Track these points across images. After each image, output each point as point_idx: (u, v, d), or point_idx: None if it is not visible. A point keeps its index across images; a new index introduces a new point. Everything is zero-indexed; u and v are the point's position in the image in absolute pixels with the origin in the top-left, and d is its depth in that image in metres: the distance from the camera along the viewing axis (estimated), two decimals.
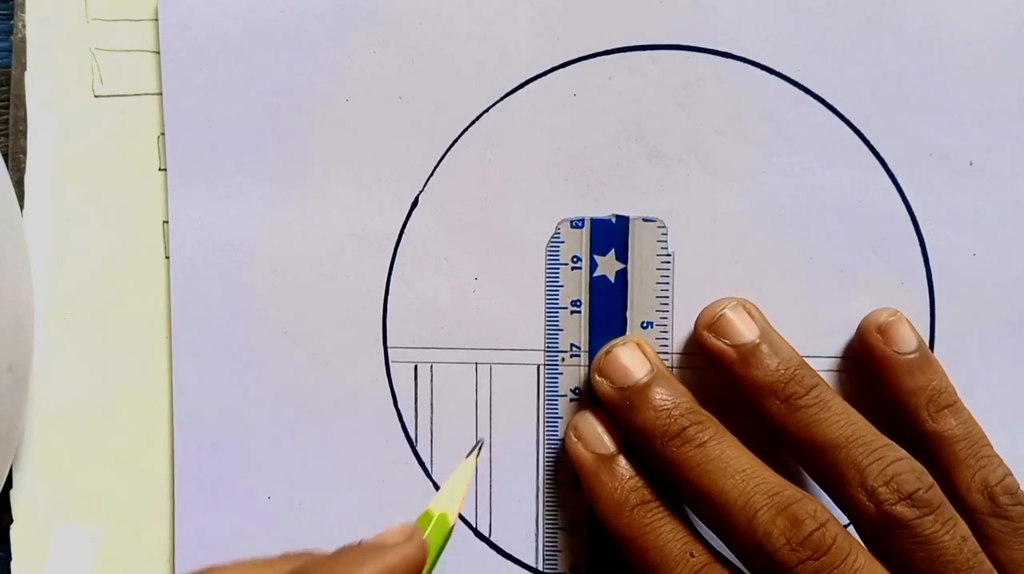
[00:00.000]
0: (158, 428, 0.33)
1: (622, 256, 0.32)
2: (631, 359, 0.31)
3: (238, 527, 0.33)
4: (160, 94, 0.33)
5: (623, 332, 0.32)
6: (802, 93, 0.32)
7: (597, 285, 0.32)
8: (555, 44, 0.32)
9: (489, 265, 0.32)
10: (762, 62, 0.32)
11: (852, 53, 0.31)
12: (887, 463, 0.28)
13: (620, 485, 0.30)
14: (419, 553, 0.25)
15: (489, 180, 0.32)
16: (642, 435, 0.30)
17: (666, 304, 0.32)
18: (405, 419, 0.33)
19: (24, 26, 0.33)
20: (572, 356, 0.32)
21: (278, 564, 0.25)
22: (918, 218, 0.32)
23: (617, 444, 0.31)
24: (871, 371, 0.31)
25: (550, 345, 0.32)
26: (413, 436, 0.33)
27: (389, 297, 0.33)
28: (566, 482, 0.33)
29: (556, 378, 0.32)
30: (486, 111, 0.32)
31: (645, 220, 0.32)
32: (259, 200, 0.33)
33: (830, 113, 0.32)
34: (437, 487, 0.33)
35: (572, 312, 0.32)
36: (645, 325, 0.32)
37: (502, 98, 0.32)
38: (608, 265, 0.32)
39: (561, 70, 0.32)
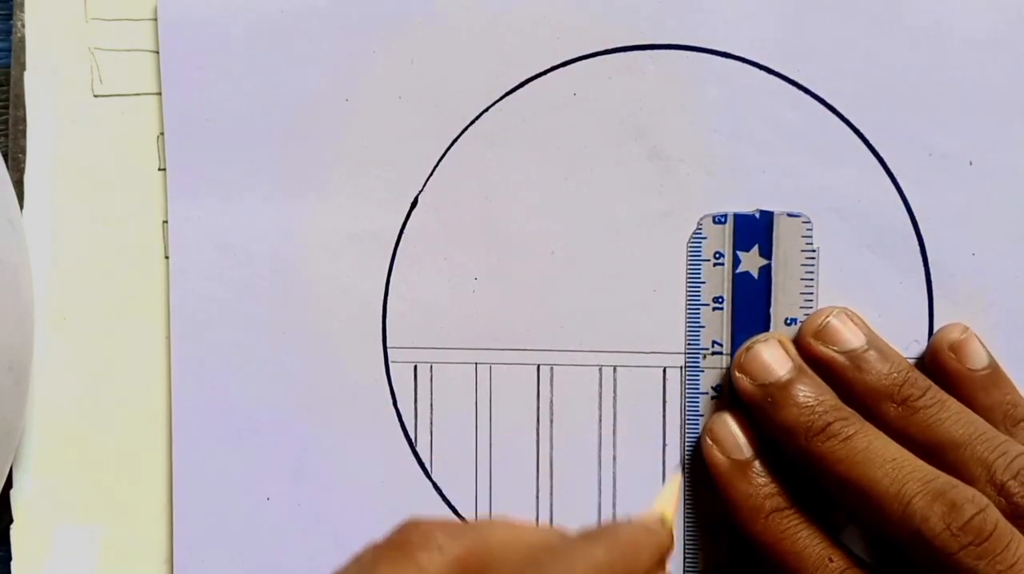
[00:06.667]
0: (158, 428, 0.33)
1: (766, 252, 0.32)
2: (773, 356, 0.30)
3: (237, 527, 0.33)
4: (159, 94, 0.33)
5: (766, 329, 0.32)
6: (802, 93, 0.32)
7: (740, 281, 0.32)
8: (555, 44, 0.32)
9: (489, 265, 0.32)
10: (762, 62, 0.32)
11: (852, 53, 0.31)
12: (1012, 457, 0.28)
13: (756, 491, 0.30)
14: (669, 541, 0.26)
15: (489, 180, 0.32)
16: (784, 432, 0.30)
17: (811, 300, 0.32)
18: (405, 419, 0.33)
19: (23, 26, 0.33)
20: (713, 354, 0.32)
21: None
22: (917, 218, 0.32)
23: (754, 448, 0.30)
24: (944, 388, 0.31)
25: (691, 342, 0.32)
26: (413, 436, 0.33)
27: (389, 297, 0.33)
28: (705, 482, 0.32)
29: (697, 376, 0.32)
30: (486, 111, 0.32)
31: (790, 215, 0.32)
32: (259, 200, 0.33)
33: (830, 113, 0.32)
34: (437, 487, 0.33)
35: (714, 309, 0.32)
36: (789, 321, 0.32)
37: (502, 98, 0.32)
38: (751, 261, 0.32)
39: (561, 70, 0.32)
